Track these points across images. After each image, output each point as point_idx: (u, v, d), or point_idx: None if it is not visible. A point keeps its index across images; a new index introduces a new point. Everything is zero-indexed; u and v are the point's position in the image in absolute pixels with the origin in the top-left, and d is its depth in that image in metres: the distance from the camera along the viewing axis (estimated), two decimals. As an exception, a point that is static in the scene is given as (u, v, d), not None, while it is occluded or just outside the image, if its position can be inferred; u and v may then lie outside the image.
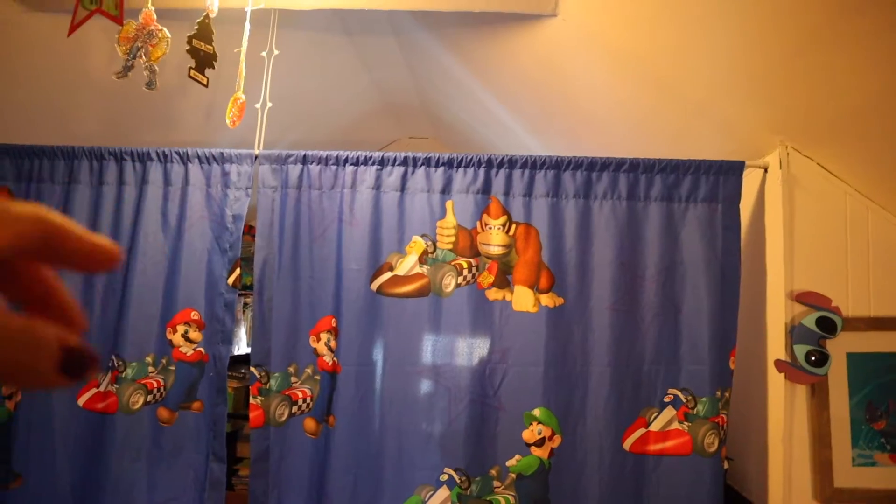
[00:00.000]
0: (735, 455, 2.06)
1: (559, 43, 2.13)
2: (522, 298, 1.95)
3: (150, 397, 1.96)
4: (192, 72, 1.61)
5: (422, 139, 4.04)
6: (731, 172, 1.94)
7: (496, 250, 1.97)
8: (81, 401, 1.96)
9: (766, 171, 1.94)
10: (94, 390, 1.97)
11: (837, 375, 1.79)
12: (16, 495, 1.89)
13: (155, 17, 1.72)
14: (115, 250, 0.33)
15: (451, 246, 1.98)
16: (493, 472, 1.91)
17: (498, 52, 2.43)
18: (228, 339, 2.02)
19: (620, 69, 2.09)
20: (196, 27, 1.62)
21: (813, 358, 1.77)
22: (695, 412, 1.88)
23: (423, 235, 1.99)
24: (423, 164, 2.02)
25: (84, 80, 2.19)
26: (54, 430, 1.93)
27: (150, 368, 1.98)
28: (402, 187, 2.02)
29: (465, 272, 1.97)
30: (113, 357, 1.97)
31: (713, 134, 2.08)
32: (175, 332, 1.99)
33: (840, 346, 1.79)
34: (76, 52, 2.06)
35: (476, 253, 1.98)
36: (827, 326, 1.77)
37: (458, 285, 1.97)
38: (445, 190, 2.01)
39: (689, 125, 2.14)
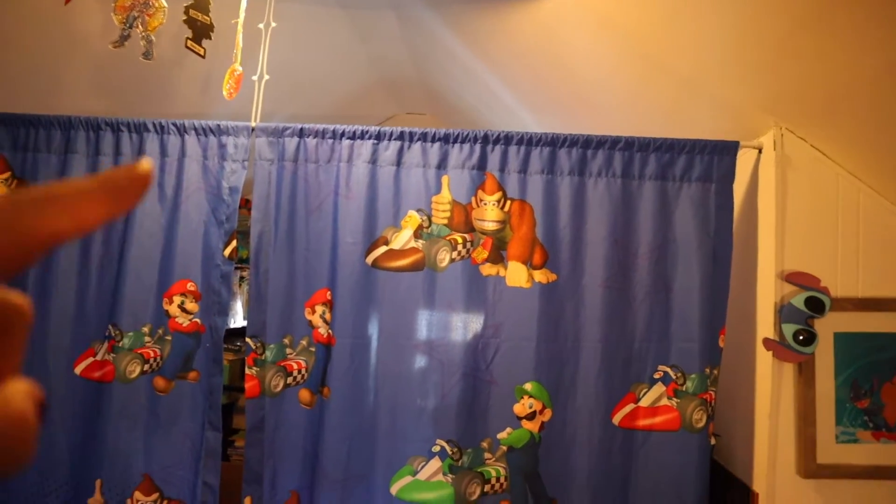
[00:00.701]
0: (722, 431, 2.10)
1: (557, 19, 2.13)
2: (516, 274, 1.97)
3: (146, 367, 1.98)
4: (189, 42, 1.61)
5: (419, 115, 4.03)
6: (725, 152, 1.95)
7: (491, 226, 1.98)
8: (78, 369, 1.98)
9: (760, 151, 1.95)
10: (90, 359, 1.99)
11: (824, 354, 1.82)
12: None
13: (152, -14, 1.71)
14: (138, 173, 0.27)
15: (446, 221, 1.99)
16: (485, 444, 1.94)
17: (496, 27, 2.43)
18: (224, 311, 2.04)
19: (617, 47, 2.09)
20: (193, -3, 1.61)
21: (801, 337, 1.80)
22: (684, 389, 1.91)
23: (418, 210, 2.00)
24: (419, 139, 2.02)
25: (79, 49, 2.18)
26: (51, 398, 1.95)
27: (147, 338, 2.00)
28: (399, 162, 2.03)
29: (460, 247, 1.98)
30: (110, 327, 1.99)
31: (709, 113, 2.09)
32: (171, 302, 2.01)
33: (828, 326, 1.82)
34: (71, 20, 2.05)
35: (471, 228, 1.99)
36: (815, 306, 1.80)
37: (452, 260, 1.98)
38: (441, 165, 2.02)
39: (684, 104, 2.14)
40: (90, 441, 1.96)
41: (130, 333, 1.99)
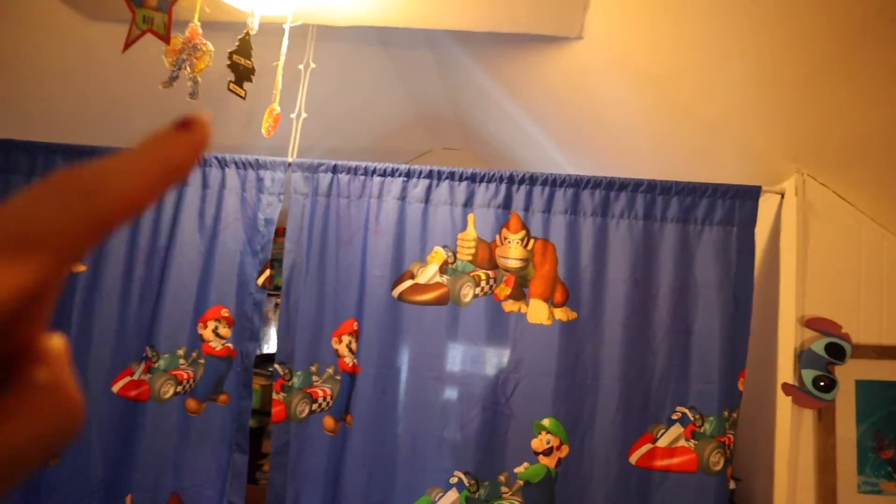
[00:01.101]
0: (744, 476, 2.08)
1: (585, 64, 2.20)
2: (537, 311, 2.01)
3: (179, 388, 2.07)
4: (231, 85, 1.72)
5: (455, 151, 4.13)
6: (747, 197, 1.98)
7: (514, 263, 2.04)
8: (116, 388, 2.08)
9: (782, 196, 1.96)
10: (127, 378, 2.09)
11: (845, 402, 1.81)
12: (51, 473, 2.01)
13: (200, 31, 1.83)
14: (195, 125, 0.24)
15: (470, 257, 2.05)
16: (502, 477, 1.97)
17: (527, 70, 2.51)
18: (255, 337, 2.13)
19: (644, 91, 2.14)
20: (237, 43, 1.73)
21: (822, 383, 1.80)
22: (702, 431, 1.91)
23: (444, 246, 2.07)
24: (447, 177, 2.10)
25: (134, 85, 2.32)
26: (90, 413, 2.05)
27: (182, 360, 2.09)
28: (427, 199, 2.10)
29: (483, 283, 2.04)
30: (147, 348, 2.09)
31: (734, 158, 2.12)
32: (206, 327, 2.10)
33: (849, 373, 1.81)
34: (128, 60, 2.19)
35: (494, 265, 2.05)
36: (836, 352, 1.79)
37: (475, 296, 2.04)
38: (468, 203, 2.08)
39: (710, 149, 2.18)
40: (124, 457, 2.05)
41: (166, 355, 2.08)
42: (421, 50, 2.94)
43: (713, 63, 1.84)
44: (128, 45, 1.55)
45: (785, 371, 1.88)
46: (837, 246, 1.88)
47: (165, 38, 1.59)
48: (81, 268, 2.14)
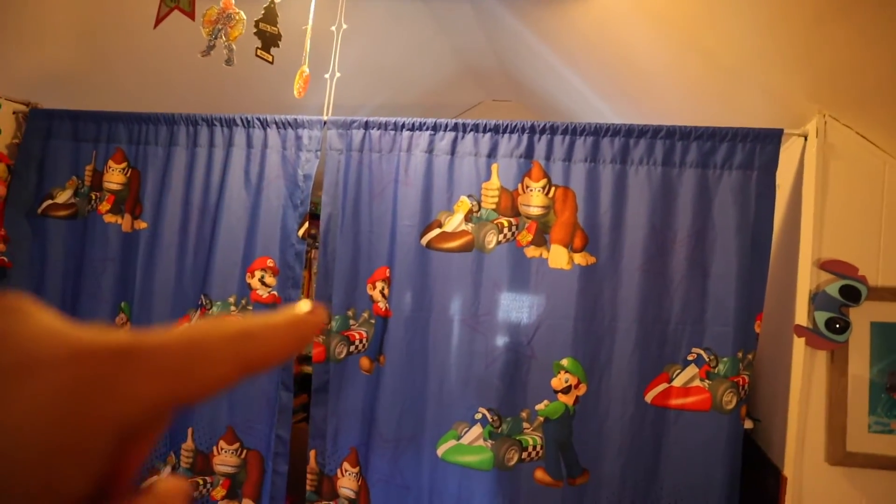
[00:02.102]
0: (764, 416, 2.12)
1: (609, 11, 2.21)
2: (558, 256, 2.09)
3: (231, 332, 2.28)
4: (259, 51, 1.85)
5: (505, 102, 4.16)
6: (768, 141, 1.97)
7: (535, 211, 2.11)
8: (177, 331, 2.31)
9: (806, 138, 1.94)
10: (187, 325, 2.31)
11: (859, 343, 1.81)
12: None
13: (233, 1, 1.96)
14: (315, 319, 0.28)
15: (494, 206, 2.14)
16: (523, 414, 2.09)
17: (561, 18, 2.52)
18: (298, 284, 2.30)
19: (667, 38, 2.14)
20: (263, 12, 1.85)
21: (837, 325, 1.81)
22: (716, 371, 1.96)
23: (469, 195, 2.16)
24: (471, 129, 2.18)
25: (181, 56, 2.50)
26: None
27: (232, 308, 2.29)
28: (453, 151, 2.19)
29: (506, 230, 2.13)
30: (202, 296, 2.30)
31: (759, 103, 2.10)
32: (253, 276, 2.29)
33: (865, 315, 1.81)
34: (174, 32, 2.36)
35: (517, 213, 2.13)
36: (850, 294, 1.79)
37: (498, 242, 2.13)
38: (491, 154, 2.16)
39: (736, 94, 2.16)
40: (185, 393, 2.28)
41: (219, 303, 2.29)
42: (460, 3, 2.98)
43: (726, 7, 1.82)
44: (157, 21, 1.70)
45: (802, 314, 1.89)
46: (859, 187, 1.86)
47: (191, 14, 1.73)
48: (143, 225, 2.37)
